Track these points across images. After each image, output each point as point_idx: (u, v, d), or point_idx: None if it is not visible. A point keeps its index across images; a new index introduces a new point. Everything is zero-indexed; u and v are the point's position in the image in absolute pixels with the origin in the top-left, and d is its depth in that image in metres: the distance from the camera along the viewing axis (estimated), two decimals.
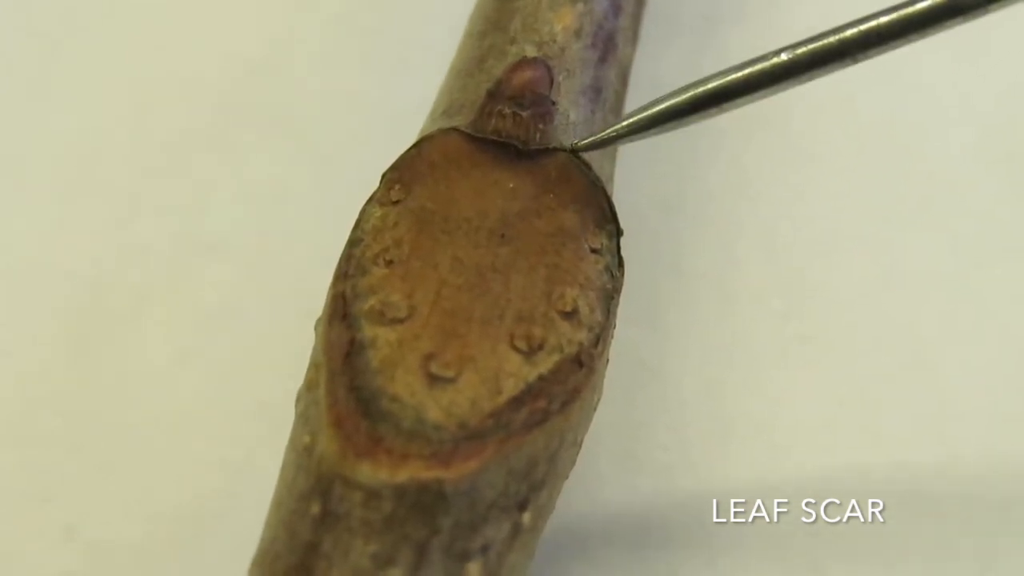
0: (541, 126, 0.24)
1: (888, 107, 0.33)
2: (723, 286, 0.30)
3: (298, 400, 0.22)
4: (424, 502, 0.19)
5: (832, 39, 0.22)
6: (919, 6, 0.21)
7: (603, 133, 0.23)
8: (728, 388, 0.28)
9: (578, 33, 0.26)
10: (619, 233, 0.23)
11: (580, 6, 0.26)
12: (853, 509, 0.26)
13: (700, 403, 0.28)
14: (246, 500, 0.22)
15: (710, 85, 0.22)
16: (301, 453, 0.21)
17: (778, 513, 0.26)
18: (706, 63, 0.34)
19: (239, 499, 0.26)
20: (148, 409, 0.28)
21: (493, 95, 0.24)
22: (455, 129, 0.24)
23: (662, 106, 0.22)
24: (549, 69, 0.24)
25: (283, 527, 0.20)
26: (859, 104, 0.33)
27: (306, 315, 0.23)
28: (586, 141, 0.23)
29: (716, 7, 0.35)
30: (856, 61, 0.22)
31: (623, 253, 0.23)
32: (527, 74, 0.24)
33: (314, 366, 0.21)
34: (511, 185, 0.23)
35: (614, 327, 0.23)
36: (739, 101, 0.22)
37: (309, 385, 0.21)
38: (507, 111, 0.24)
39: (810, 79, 0.22)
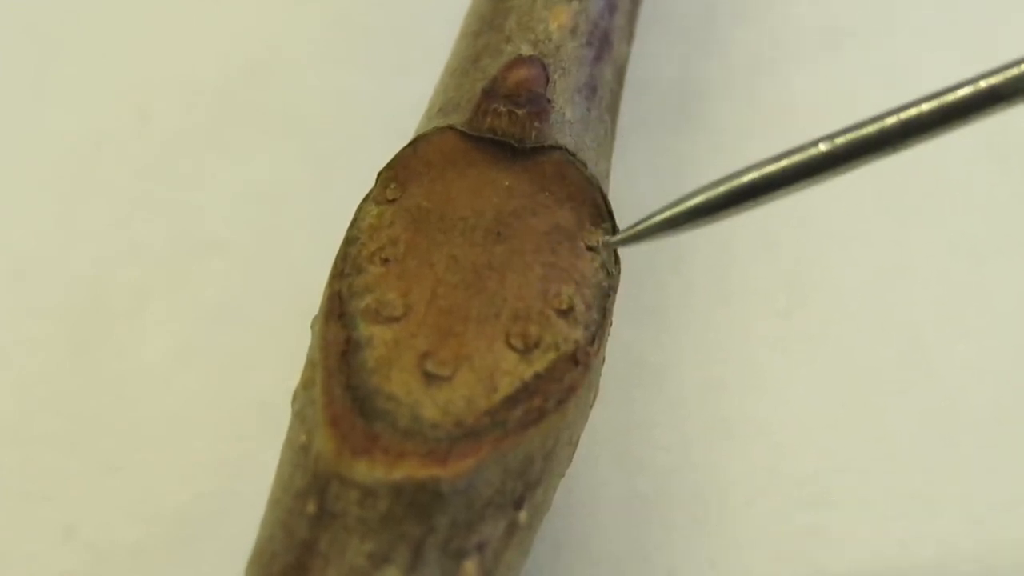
0: (537, 124, 0.24)
1: (888, 106, 0.33)
2: (723, 286, 0.30)
3: (294, 399, 0.22)
4: (420, 500, 0.19)
5: (871, 128, 0.21)
6: (960, 93, 0.21)
7: (634, 229, 0.22)
8: (728, 388, 0.28)
9: (573, 31, 0.26)
10: (615, 231, 0.23)
11: (575, 4, 0.26)
12: (854, 509, 0.26)
13: (700, 403, 0.28)
14: (245, 500, 0.22)
15: (745, 178, 0.21)
16: (297, 452, 0.21)
17: (778, 512, 0.26)
18: (704, 62, 0.34)
19: (239, 499, 0.26)
20: (148, 409, 0.28)
21: (488, 93, 0.24)
22: (451, 127, 0.24)
23: (697, 200, 0.22)
24: (544, 67, 0.24)
25: (279, 526, 0.20)
26: (859, 103, 0.33)
27: (305, 314, 0.23)
28: (618, 237, 0.23)
29: (714, 5, 0.35)
30: (896, 151, 0.21)
31: (620, 251, 0.23)
32: (522, 72, 0.24)
33: (310, 365, 0.21)
34: (507, 183, 0.23)
35: (610, 325, 0.23)
36: (776, 194, 0.21)
37: (305, 384, 0.21)
38: (502, 109, 0.24)
39: (849, 170, 0.21)
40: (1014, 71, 0.21)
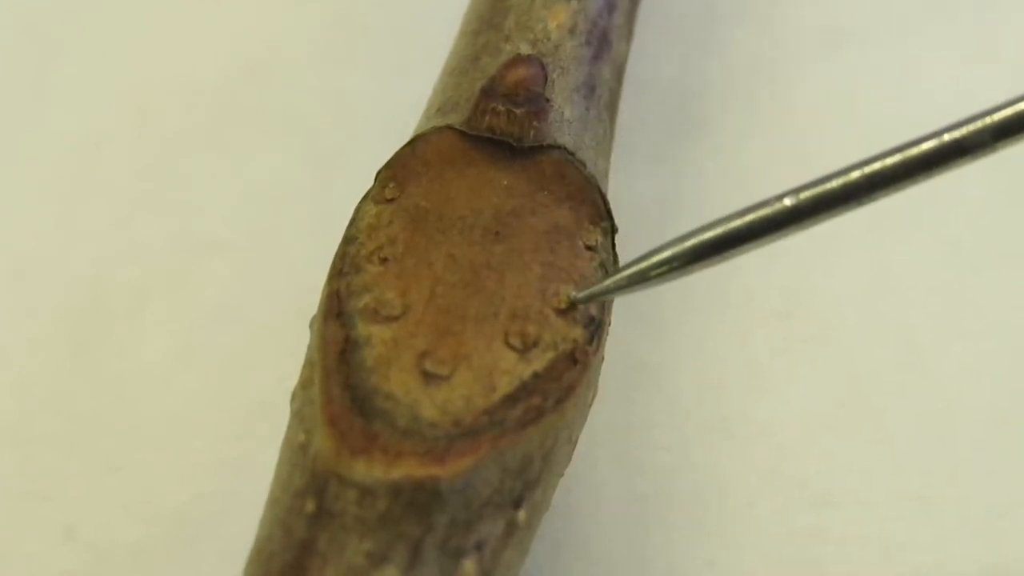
0: (535, 123, 0.24)
1: (889, 108, 0.33)
2: (723, 286, 0.30)
3: (293, 398, 0.22)
4: (419, 500, 0.19)
5: (836, 183, 0.21)
6: (924, 147, 0.21)
7: (601, 285, 0.22)
8: (728, 388, 0.28)
9: (572, 31, 0.26)
10: (614, 230, 0.24)
11: (574, 3, 0.26)
12: (854, 510, 0.26)
13: (700, 403, 0.28)
14: (246, 500, 0.22)
15: (710, 234, 0.21)
16: (296, 451, 0.21)
17: (778, 513, 0.26)
18: (704, 62, 0.34)
19: (239, 499, 0.26)
20: (148, 409, 0.28)
21: (487, 92, 0.24)
22: (449, 127, 0.24)
23: (663, 255, 0.21)
24: (543, 66, 0.24)
25: (278, 525, 0.20)
26: (859, 104, 0.33)
27: (305, 314, 0.23)
28: (584, 293, 0.22)
29: (714, 5, 0.35)
30: (861, 204, 0.21)
31: (621, 251, 0.23)
32: (521, 71, 0.24)
33: (309, 364, 0.21)
34: (505, 183, 0.23)
35: (610, 324, 0.23)
36: (741, 248, 0.21)
37: (304, 383, 0.21)
38: (501, 108, 0.24)
39: (815, 224, 0.21)
40: (978, 124, 0.21)
